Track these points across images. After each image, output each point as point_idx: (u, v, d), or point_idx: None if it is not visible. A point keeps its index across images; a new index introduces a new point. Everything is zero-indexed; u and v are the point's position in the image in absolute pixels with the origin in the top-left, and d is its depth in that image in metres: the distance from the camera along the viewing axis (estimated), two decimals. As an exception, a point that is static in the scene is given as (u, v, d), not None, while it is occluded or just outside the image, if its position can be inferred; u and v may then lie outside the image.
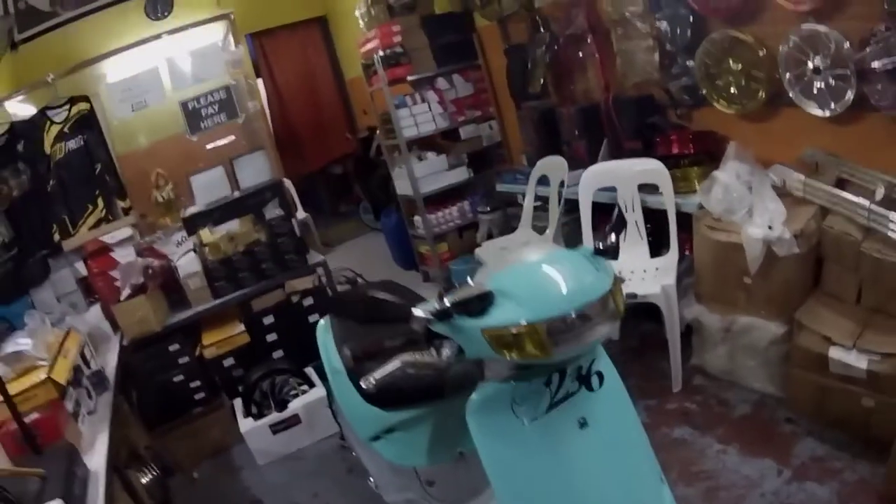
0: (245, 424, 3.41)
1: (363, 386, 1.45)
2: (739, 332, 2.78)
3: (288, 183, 6.37)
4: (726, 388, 2.92)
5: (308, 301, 3.81)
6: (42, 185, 3.82)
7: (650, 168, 3.15)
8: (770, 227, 2.52)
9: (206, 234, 3.68)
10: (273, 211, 3.86)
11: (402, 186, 5.11)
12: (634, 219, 3.28)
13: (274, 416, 3.41)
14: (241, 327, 3.71)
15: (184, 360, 3.60)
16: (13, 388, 2.05)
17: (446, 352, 1.45)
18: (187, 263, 3.64)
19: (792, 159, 2.77)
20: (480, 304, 1.38)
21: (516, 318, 1.33)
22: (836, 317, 2.39)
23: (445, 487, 2.02)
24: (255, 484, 3.30)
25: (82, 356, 2.63)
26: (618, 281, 1.42)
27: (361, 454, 2.38)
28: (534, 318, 1.31)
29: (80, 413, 2.30)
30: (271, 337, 3.81)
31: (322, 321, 2.43)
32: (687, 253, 3.13)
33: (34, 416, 2.02)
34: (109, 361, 2.95)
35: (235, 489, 3.31)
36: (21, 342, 2.35)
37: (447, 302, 1.37)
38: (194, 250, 3.68)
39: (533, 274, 1.42)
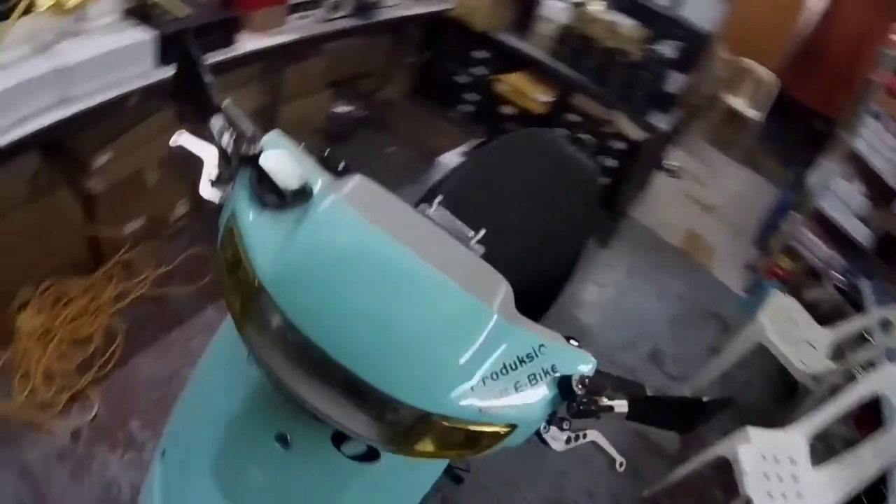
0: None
1: None
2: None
3: (768, 77, 4.85)
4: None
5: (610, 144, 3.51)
6: None
7: None
8: None
9: (594, 6, 3.38)
10: (668, 49, 3.37)
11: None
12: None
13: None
14: (546, 97, 3.56)
15: (479, 71, 3.78)
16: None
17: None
18: (553, 15, 3.51)
19: None
20: (280, 197, 0.90)
21: (269, 256, 0.86)
22: None
23: None
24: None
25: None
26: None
27: None
28: (280, 295, 0.85)
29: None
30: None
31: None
32: None
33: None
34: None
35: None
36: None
37: (260, 156, 0.91)
38: (570, 7, 3.47)
39: (363, 252, 0.89)
